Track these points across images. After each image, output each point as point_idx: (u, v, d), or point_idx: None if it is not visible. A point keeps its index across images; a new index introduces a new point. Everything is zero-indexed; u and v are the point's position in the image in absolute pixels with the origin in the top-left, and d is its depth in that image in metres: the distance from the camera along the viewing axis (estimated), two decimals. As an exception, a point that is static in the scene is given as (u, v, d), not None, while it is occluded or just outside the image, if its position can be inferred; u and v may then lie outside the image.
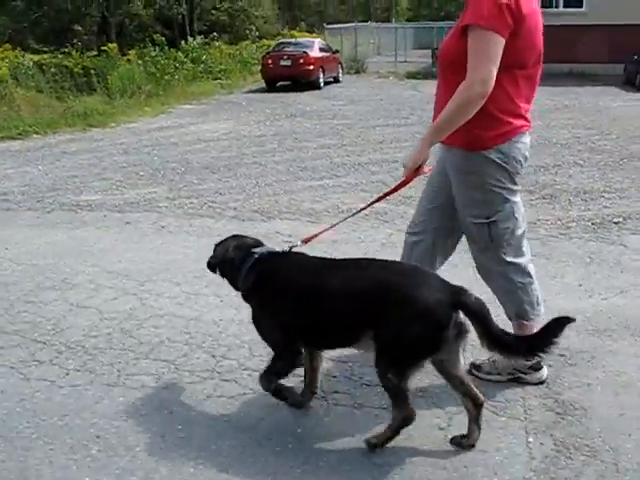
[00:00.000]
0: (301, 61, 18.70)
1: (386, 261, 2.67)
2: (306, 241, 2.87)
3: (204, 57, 20.96)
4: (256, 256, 2.67)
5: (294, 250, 2.76)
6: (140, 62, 17.41)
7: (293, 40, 22.13)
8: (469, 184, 2.76)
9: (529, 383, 2.97)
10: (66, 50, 17.28)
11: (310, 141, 10.14)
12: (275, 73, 19.02)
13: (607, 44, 21.57)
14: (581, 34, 21.85)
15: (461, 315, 2.34)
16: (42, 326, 3.70)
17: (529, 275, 2.91)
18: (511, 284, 2.88)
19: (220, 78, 21.36)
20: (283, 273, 2.63)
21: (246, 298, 2.75)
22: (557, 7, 22.67)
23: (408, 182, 2.78)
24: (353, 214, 3.17)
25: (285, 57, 18.92)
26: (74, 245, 5.21)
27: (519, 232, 2.85)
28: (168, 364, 3.25)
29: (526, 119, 2.76)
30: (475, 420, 2.50)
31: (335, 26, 26.86)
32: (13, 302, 4.05)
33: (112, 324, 3.72)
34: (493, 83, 2.49)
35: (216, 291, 3.99)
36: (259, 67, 19.92)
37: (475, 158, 2.69)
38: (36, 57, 17.15)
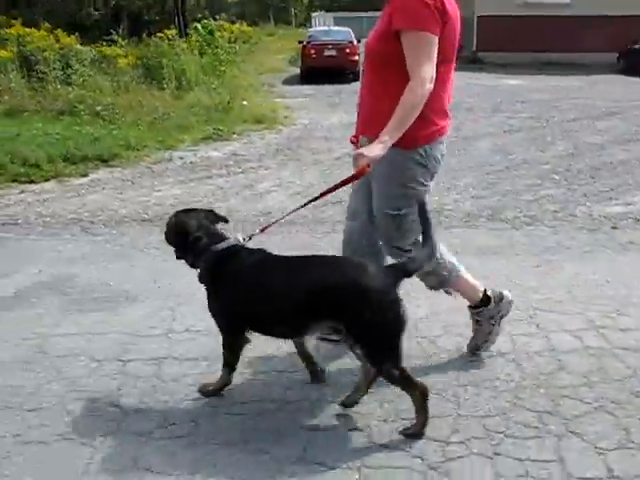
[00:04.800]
0: (347, 51, 17.81)
1: (333, 257, 2.91)
2: (263, 229, 2.93)
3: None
4: (213, 250, 2.74)
5: (252, 239, 2.87)
6: (195, 51, 15.40)
7: (325, 29, 20.86)
8: (392, 179, 2.91)
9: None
10: (109, 39, 14.88)
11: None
12: (318, 63, 17.85)
13: (591, 34, 22.85)
14: (567, 24, 23.00)
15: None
16: None
17: None
18: None
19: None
20: (236, 270, 2.71)
21: (201, 280, 2.83)
22: (541, -1, 23.68)
23: (357, 178, 2.79)
24: (305, 203, 3.05)
25: (330, 47, 17.84)
26: None
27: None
28: None
29: (448, 117, 2.96)
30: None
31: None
32: None
33: None
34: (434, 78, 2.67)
35: None
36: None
37: (403, 156, 2.83)
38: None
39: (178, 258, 2.89)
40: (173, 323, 3.68)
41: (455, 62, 2.92)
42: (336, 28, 20.42)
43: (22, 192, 6.91)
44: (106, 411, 2.88)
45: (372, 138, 2.78)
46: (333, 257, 2.92)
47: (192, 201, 6.22)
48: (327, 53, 17.78)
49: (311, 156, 8.30)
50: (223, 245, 2.76)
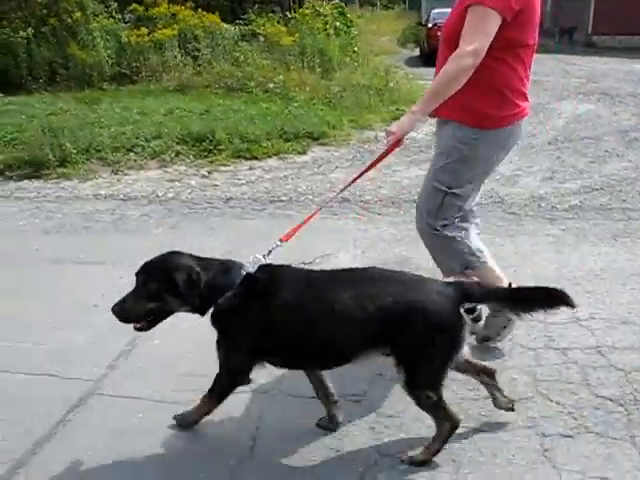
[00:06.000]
0: (475, 33, 17.21)
1: (391, 273, 2.48)
2: (285, 239, 2.61)
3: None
4: (244, 274, 2.37)
5: (275, 250, 2.53)
6: (331, 30, 15.15)
7: (449, 10, 20.26)
8: (456, 155, 2.83)
9: None
10: (245, 18, 14.82)
11: None
12: (444, 46, 17.40)
13: None
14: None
15: (464, 313, 2.32)
16: None
17: (463, 228, 2.99)
18: (448, 240, 2.96)
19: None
20: (290, 291, 2.34)
21: (218, 321, 2.39)
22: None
23: (390, 152, 2.81)
24: (338, 192, 3.09)
25: (457, 28, 17.32)
26: None
27: (465, 209, 2.98)
28: None
29: (527, 99, 2.88)
30: (495, 388, 2.61)
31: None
32: None
33: None
34: (483, 56, 2.55)
35: None
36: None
37: (481, 135, 2.78)
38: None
39: (165, 312, 2.38)
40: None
41: (535, 43, 2.80)
42: (461, 9, 19.78)
43: (251, 169, 6.87)
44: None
45: (441, 118, 2.91)
46: (396, 273, 2.52)
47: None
48: (453, 35, 17.30)
49: (526, 139, 8.02)
50: (254, 266, 2.39)
